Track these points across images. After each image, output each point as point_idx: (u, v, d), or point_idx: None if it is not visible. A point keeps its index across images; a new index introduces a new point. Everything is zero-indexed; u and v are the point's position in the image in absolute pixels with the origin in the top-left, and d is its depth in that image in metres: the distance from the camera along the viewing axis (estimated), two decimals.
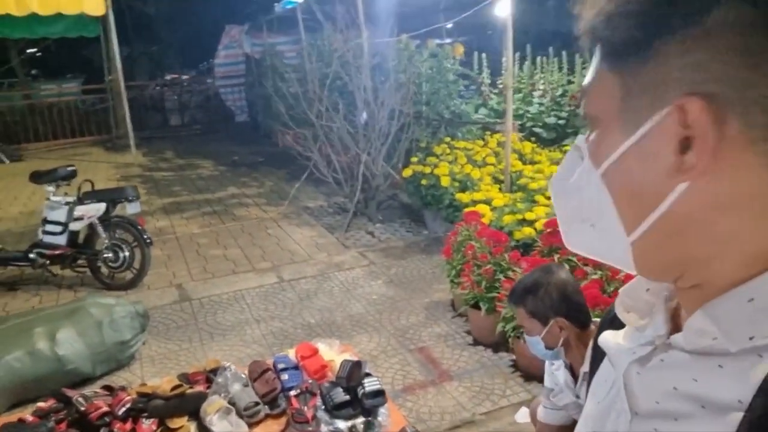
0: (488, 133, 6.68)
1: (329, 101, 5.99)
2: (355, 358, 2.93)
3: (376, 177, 6.06)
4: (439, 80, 6.79)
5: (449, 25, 10.59)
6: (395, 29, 6.39)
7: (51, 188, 4.71)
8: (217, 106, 15.36)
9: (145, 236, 4.67)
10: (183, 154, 11.26)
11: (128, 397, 2.79)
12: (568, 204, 0.52)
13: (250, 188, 8.19)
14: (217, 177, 9.11)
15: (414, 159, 5.90)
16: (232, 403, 2.76)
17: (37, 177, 4.77)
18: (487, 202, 4.59)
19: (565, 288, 1.97)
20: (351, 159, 6.12)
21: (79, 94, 14.17)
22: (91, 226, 4.68)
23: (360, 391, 2.72)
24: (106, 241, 4.67)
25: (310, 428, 2.65)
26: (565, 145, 6.22)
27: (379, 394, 2.72)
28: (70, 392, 2.86)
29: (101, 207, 4.62)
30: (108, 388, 2.91)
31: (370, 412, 2.69)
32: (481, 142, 6.30)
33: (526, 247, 3.88)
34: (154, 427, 2.71)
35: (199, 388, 2.91)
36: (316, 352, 3.11)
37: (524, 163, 5.53)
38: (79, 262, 4.79)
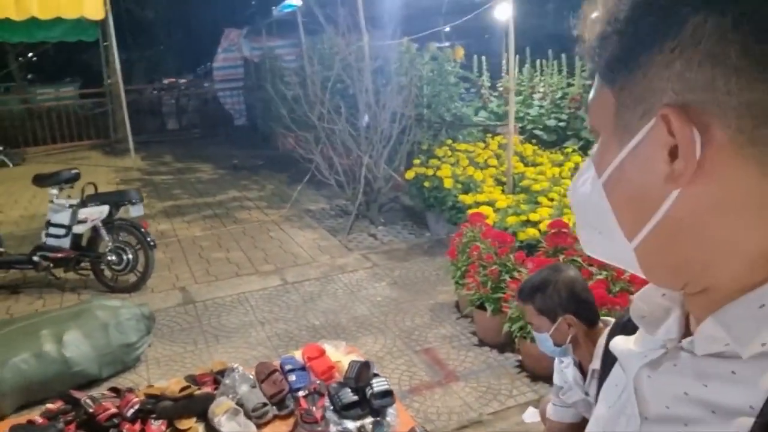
0: (489, 135, 6.71)
1: (331, 104, 6.01)
2: (363, 359, 2.94)
3: (377, 179, 6.08)
4: (440, 83, 6.81)
5: (447, 29, 10.62)
6: (397, 32, 6.41)
7: (54, 191, 4.72)
8: (215, 110, 15.35)
9: (149, 239, 4.67)
10: (182, 157, 11.26)
11: (136, 399, 2.80)
12: (579, 211, 0.54)
13: (250, 191, 8.20)
14: (217, 180, 9.11)
15: (416, 161, 5.92)
16: (240, 404, 2.77)
17: (41, 180, 4.77)
18: (490, 203, 4.61)
19: (573, 286, 1.99)
20: (353, 161, 6.14)
21: (77, 98, 14.16)
22: (94, 229, 4.68)
23: (368, 392, 2.73)
24: (110, 243, 4.67)
25: (320, 428, 2.66)
26: (566, 148, 6.25)
27: (388, 394, 2.73)
28: (77, 394, 2.87)
29: (104, 210, 4.62)
30: (115, 390, 2.91)
31: (378, 413, 2.70)
32: (482, 145, 6.33)
33: (530, 248, 3.90)
34: (163, 428, 2.71)
35: (207, 389, 2.92)
36: (323, 353, 3.12)
37: (526, 165, 5.56)
38: (83, 265, 4.79)
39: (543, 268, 2.22)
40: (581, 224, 0.54)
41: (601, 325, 2.03)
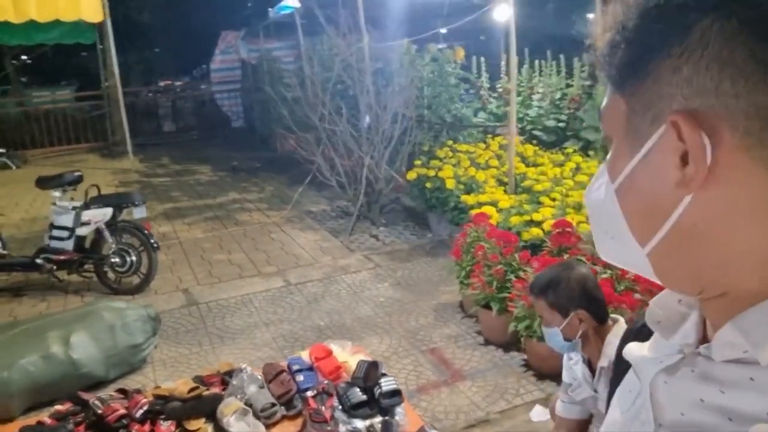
0: (489, 136, 6.74)
1: (332, 105, 6.03)
2: (370, 359, 2.96)
3: (379, 180, 6.10)
4: (440, 84, 6.84)
5: (444, 31, 10.65)
6: (397, 33, 6.43)
7: (57, 193, 4.71)
8: (212, 112, 15.36)
9: (152, 241, 4.68)
10: (179, 159, 11.26)
11: (145, 400, 2.80)
12: (593, 216, 0.54)
13: (250, 193, 8.20)
14: (217, 182, 9.11)
15: (418, 162, 5.94)
16: (248, 404, 2.77)
17: (44, 182, 4.77)
18: (493, 204, 4.63)
19: (585, 282, 2.02)
20: (354, 163, 6.15)
21: (73, 101, 14.13)
22: (97, 231, 4.68)
23: (377, 391, 2.75)
24: (113, 245, 4.67)
25: (329, 428, 2.67)
26: (566, 148, 6.27)
27: (396, 393, 2.75)
28: (86, 395, 2.87)
29: (108, 212, 4.62)
30: (122, 392, 2.92)
31: (387, 412, 2.71)
32: (483, 146, 6.35)
33: (534, 248, 3.92)
34: (172, 429, 2.72)
35: (215, 390, 2.92)
36: (330, 353, 3.13)
37: (527, 166, 5.58)
38: (86, 267, 4.80)
39: (555, 264, 2.24)
40: (596, 229, 0.54)
41: (610, 322, 2.05)
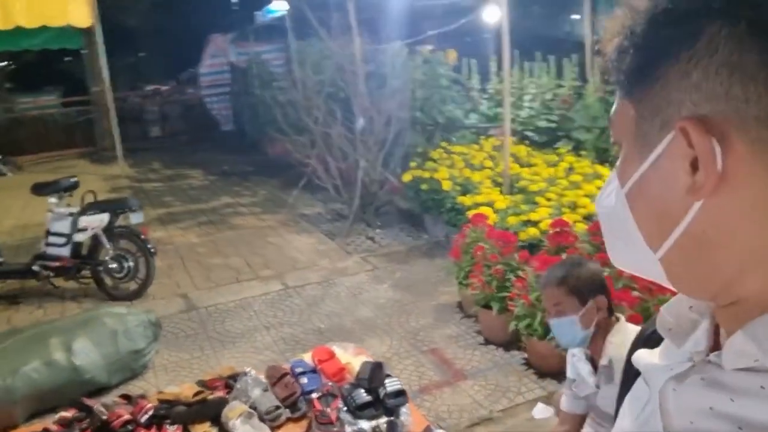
0: (482, 137, 6.78)
1: (325, 108, 6.05)
2: (373, 360, 2.98)
3: (374, 183, 6.12)
4: (432, 86, 6.88)
5: (430, 33, 10.72)
6: (390, 36, 6.47)
7: (54, 200, 4.70)
8: (200, 116, 15.32)
9: (149, 246, 4.68)
10: (170, 164, 11.21)
11: (150, 405, 2.81)
12: (605, 222, 0.54)
13: (243, 197, 8.20)
14: (209, 186, 9.09)
15: (413, 164, 5.97)
16: (253, 407, 2.78)
17: (40, 188, 4.76)
18: (489, 204, 4.67)
19: (600, 273, 2.07)
20: (349, 165, 6.18)
21: (59, 106, 14.02)
22: (94, 237, 4.67)
23: (382, 392, 2.77)
24: (110, 251, 4.66)
25: (335, 429, 2.68)
26: (558, 148, 6.33)
27: (401, 394, 2.77)
28: (90, 401, 2.87)
29: (105, 218, 4.62)
30: (126, 397, 2.92)
31: (392, 412, 2.74)
32: (477, 147, 6.40)
33: (532, 248, 3.96)
34: None
35: (219, 393, 2.93)
36: (333, 355, 3.15)
37: (521, 166, 5.63)
38: (83, 273, 4.78)
39: (564, 259, 2.29)
40: (608, 236, 0.54)
41: (613, 318, 2.09)
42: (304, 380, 2.96)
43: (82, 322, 3.66)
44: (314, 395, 2.83)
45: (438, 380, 3.42)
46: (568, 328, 2.01)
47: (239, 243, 6.11)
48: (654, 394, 0.52)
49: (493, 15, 7.26)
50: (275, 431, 2.74)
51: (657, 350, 0.57)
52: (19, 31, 9.11)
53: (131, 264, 4.73)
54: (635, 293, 3.02)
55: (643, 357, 0.57)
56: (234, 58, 13.10)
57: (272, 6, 11.05)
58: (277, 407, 2.79)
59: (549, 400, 3.17)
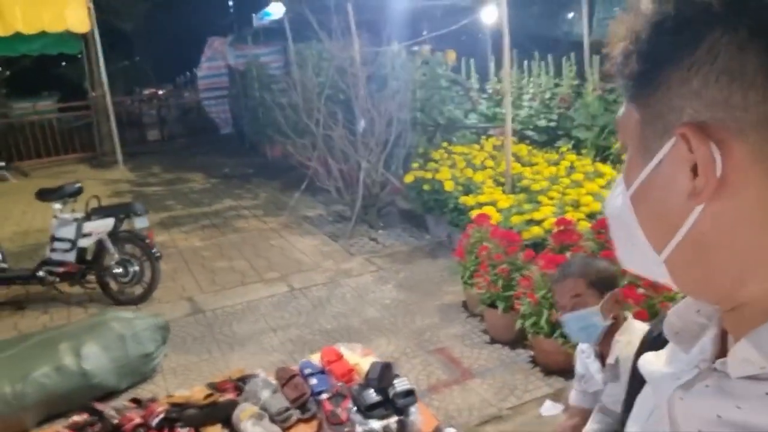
0: (482, 137, 6.81)
1: (326, 110, 6.07)
2: (381, 361, 3.00)
3: (375, 184, 6.15)
4: (431, 87, 6.91)
5: (426, 35, 10.77)
6: (390, 37, 6.49)
7: (58, 205, 4.71)
8: (197, 119, 15.35)
9: (154, 250, 4.69)
10: (170, 168, 11.23)
11: (161, 408, 2.83)
12: (613, 224, 0.54)
13: (245, 200, 8.22)
14: (210, 190, 9.11)
15: (415, 165, 6.00)
16: (263, 409, 2.80)
17: (45, 194, 4.77)
18: (492, 204, 4.70)
19: (612, 268, 2.10)
20: (350, 167, 6.20)
21: (56, 111, 14.03)
22: (99, 242, 4.68)
23: (391, 392, 2.79)
24: (115, 256, 4.67)
25: (346, 429, 2.70)
26: (559, 147, 6.37)
27: (410, 393, 2.79)
28: (100, 406, 2.89)
29: (109, 223, 4.63)
30: (136, 401, 2.94)
31: (402, 412, 2.76)
32: (477, 147, 6.42)
33: (535, 246, 3.98)
34: None
35: (229, 396, 2.95)
36: (341, 356, 3.17)
37: (522, 166, 5.65)
38: (88, 278, 4.79)
39: (576, 255, 2.31)
40: (615, 237, 0.54)
41: (621, 316, 2.12)
42: (314, 381, 2.97)
43: (90, 327, 3.68)
44: (324, 396, 2.85)
45: (446, 379, 3.44)
46: (588, 320, 2.01)
47: (243, 246, 6.13)
48: (660, 402, 0.52)
49: (491, 15, 7.30)
50: None
51: (663, 353, 0.57)
52: (17, 37, 9.14)
53: (136, 268, 4.74)
54: (641, 290, 3.04)
55: (650, 363, 0.57)
56: (232, 61, 13.12)
57: (268, 9, 11.07)
58: (288, 408, 2.81)
59: (557, 397, 3.20)
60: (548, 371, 3.42)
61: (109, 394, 3.44)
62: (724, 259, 0.45)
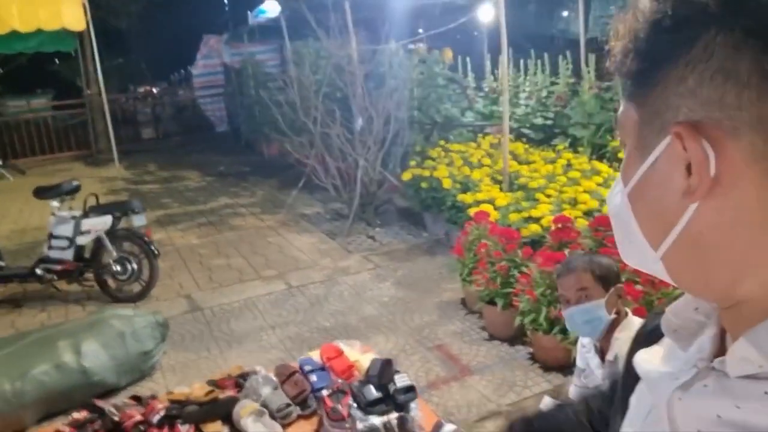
0: (479, 135, 6.83)
1: (324, 108, 6.08)
2: (381, 357, 3.01)
3: (373, 182, 6.16)
4: (428, 85, 6.92)
5: (421, 34, 10.79)
6: (388, 35, 6.50)
7: (56, 203, 4.70)
8: (192, 117, 15.32)
9: (153, 248, 4.69)
10: (166, 166, 11.21)
11: (161, 405, 2.83)
12: (613, 220, 0.55)
13: (242, 198, 8.21)
14: (206, 188, 9.10)
15: (412, 162, 6.01)
16: (264, 405, 2.81)
17: (43, 192, 4.75)
18: (490, 202, 4.72)
19: (616, 264, 2.13)
20: (347, 165, 6.21)
21: (50, 109, 13.97)
22: (97, 240, 4.68)
23: (392, 388, 2.80)
24: (113, 254, 4.67)
25: (347, 425, 2.71)
26: (555, 145, 6.39)
27: (410, 389, 2.80)
28: (100, 403, 2.89)
29: (108, 220, 4.63)
30: (136, 398, 2.94)
31: (402, 408, 2.77)
32: (474, 145, 6.44)
33: (533, 244, 4.00)
34: None
35: (229, 392, 2.96)
36: (341, 353, 3.18)
37: (519, 163, 5.67)
38: (86, 276, 4.79)
39: (577, 252, 2.33)
40: (617, 234, 0.55)
41: (622, 313, 2.14)
42: (314, 378, 2.98)
43: (90, 324, 3.67)
44: (324, 392, 2.86)
45: (445, 376, 3.46)
46: (593, 313, 2.03)
47: (240, 243, 6.13)
48: (658, 403, 0.51)
49: (488, 13, 7.33)
50: (286, 429, 2.77)
51: (657, 350, 0.57)
52: (13, 35, 9.10)
53: (134, 266, 4.74)
54: (639, 287, 3.06)
55: (645, 362, 0.57)
56: (228, 59, 13.08)
57: (263, 6, 11.05)
58: (288, 405, 2.82)
59: (556, 393, 3.21)
60: (547, 367, 3.44)
61: (109, 392, 3.44)
62: (719, 257, 0.45)
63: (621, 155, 0.53)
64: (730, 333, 0.49)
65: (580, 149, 6.16)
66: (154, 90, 19.66)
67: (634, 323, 2.06)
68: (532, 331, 3.44)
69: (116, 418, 2.76)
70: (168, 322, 4.16)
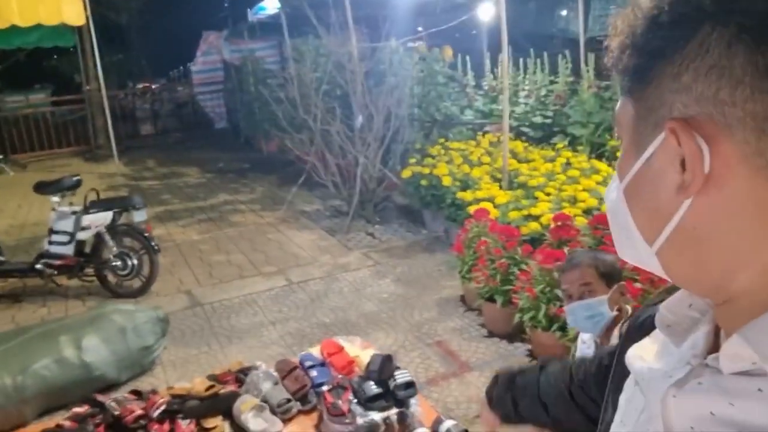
0: (478, 133, 6.85)
1: (324, 105, 6.09)
2: (381, 353, 3.03)
3: (372, 179, 6.18)
4: (428, 83, 6.94)
5: (421, 31, 10.80)
6: (388, 33, 6.51)
7: (56, 198, 4.71)
8: (191, 114, 15.31)
9: (153, 243, 4.69)
10: (165, 162, 11.22)
11: (162, 400, 2.84)
12: (610, 215, 0.55)
13: (241, 194, 8.23)
14: (206, 184, 9.11)
15: (412, 160, 6.03)
16: (264, 401, 2.82)
17: (43, 187, 4.76)
18: (490, 199, 4.73)
19: (617, 262, 2.14)
20: (347, 162, 6.22)
21: (49, 104, 13.96)
22: (98, 235, 4.68)
23: (392, 384, 2.82)
24: (114, 249, 4.68)
25: (347, 420, 2.73)
26: (554, 144, 6.41)
27: (410, 385, 2.82)
28: (101, 397, 2.90)
29: (108, 216, 4.64)
30: (137, 393, 2.96)
31: (402, 403, 2.79)
32: (474, 143, 6.46)
33: (533, 242, 4.02)
34: (192, 427, 2.75)
35: (230, 387, 2.97)
36: (341, 348, 3.19)
37: (519, 162, 5.69)
38: (87, 271, 4.79)
39: (579, 249, 2.35)
40: (613, 229, 0.55)
41: (623, 311, 2.15)
42: (314, 373, 2.99)
43: (91, 319, 3.69)
44: (325, 388, 2.87)
45: (444, 372, 3.48)
46: (596, 308, 2.04)
47: (240, 240, 6.14)
48: (654, 402, 0.51)
49: (488, 12, 7.34)
50: (287, 424, 2.78)
51: (650, 345, 0.57)
52: (12, 30, 9.09)
53: (135, 262, 4.75)
54: (638, 285, 3.08)
55: (638, 358, 0.57)
56: (227, 56, 13.09)
57: (263, 3, 11.06)
58: (288, 400, 2.83)
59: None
60: None
61: (110, 387, 3.44)
62: (713, 253, 0.45)
63: (620, 154, 0.54)
64: (723, 330, 0.49)
65: (580, 148, 6.18)
66: (154, 86, 19.65)
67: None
68: (531, 328, 3.46)
69: (117, 413, 2.77)
70: (168, 317, 4.18)
